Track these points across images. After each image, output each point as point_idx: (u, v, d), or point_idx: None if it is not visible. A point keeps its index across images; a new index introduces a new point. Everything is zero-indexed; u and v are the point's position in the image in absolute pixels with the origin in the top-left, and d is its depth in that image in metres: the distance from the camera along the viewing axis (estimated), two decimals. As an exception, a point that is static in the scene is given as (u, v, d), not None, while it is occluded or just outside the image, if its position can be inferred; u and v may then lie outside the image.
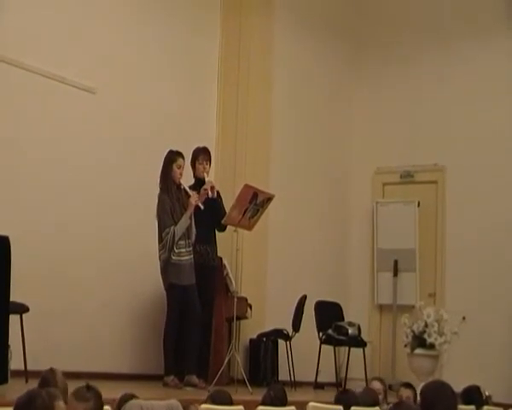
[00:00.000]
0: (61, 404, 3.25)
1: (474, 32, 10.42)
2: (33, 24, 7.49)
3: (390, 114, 11.01)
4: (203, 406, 4.30)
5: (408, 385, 6.31)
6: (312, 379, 9.28)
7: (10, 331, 5.75)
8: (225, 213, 7.72)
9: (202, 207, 7.52)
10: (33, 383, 6.17)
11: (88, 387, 3.57)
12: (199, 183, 7.83)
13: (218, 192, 7.86)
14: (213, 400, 4.52)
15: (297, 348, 9.03)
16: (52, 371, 4.25)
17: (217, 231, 8.04)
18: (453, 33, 10.55)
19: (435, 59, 10.66)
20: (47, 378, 4.19)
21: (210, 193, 7.62)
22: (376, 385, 6.32)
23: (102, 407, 3.58)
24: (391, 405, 5.23)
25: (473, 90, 10.38)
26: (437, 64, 10.64)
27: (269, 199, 7.72)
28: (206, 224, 7.76)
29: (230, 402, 4.60)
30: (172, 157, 7.55)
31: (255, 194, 7.56)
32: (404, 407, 4.45)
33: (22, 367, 6.40)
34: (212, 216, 7.73)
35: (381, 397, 6.19)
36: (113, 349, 7.98)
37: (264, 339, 9.14)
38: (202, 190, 7.61)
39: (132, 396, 4.25)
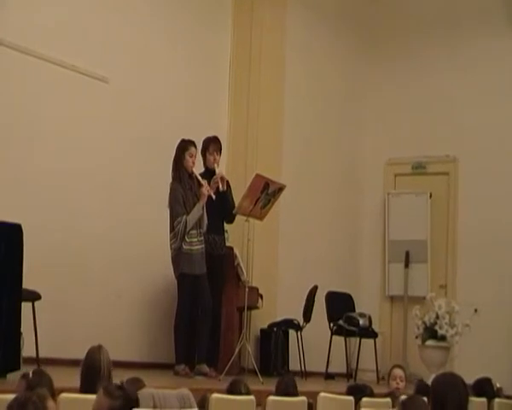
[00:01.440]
0: (51, 403, 3.21)
1: (488, 25, 10.38)
2: (45, 11, 7.48)
3: (402, 105, 10.97)
4: (215, 395, 4.30)
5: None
6: (323, 370, 9.29)
7: (22, 319, 5.78)
8: (234, 204, 7.72)
9: (214, 197, 7.51)
10: (45, 370, 6.23)
11: (120, 386, 3.51)
12: (209, 173, 7.80)
13: (227, 182, 7.85)
14: (230, 390, 4.54)
15: (308, 338, 9.03)
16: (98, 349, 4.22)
17: (225, 223, 8.04)
18: (466, 25, 10.52)
19: (447, 51, 10.62)
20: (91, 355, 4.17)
21: (221, 186, 7.59)
22: (399, 373, 6.33)
23: None
24: (402, 397, 5.22)
25: (485, 81, 10.35)
26: (449, 56, 10.60)
27: (280, 189, 7.71)
28: (215, 213, 7.73)
29: (247, 392, 4.60)
30: (185, 146, 7.54)
31: (267, 184, 7.55)
32: (415, 401, 4.42)
33: (34, 354, 6.42)
34: (221, 206, 7.71)
35: (402, 385, 6.20)
36: (124, 338, 7.99)
37: (275, 329, 9.14)
38: (213, 183, 7.58)
39: (138, 381, 4.23)
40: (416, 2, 10.95)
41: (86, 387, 3.99)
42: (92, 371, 4.06)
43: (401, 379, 6.26)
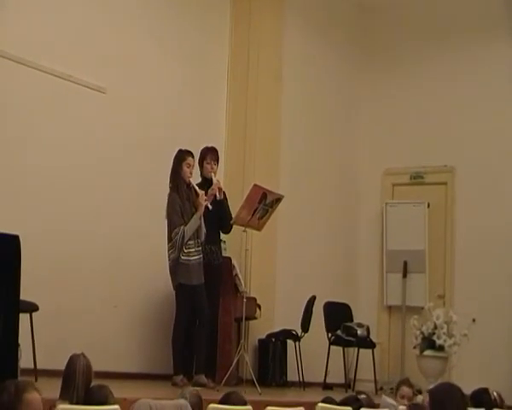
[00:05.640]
0: (29, 396, 3.07)
1: (483, 34, 10.41)
2: (41, 23, 7.50)
3: (400, 115, 11.00)
4: (212, 405, 4.30)
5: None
6: (321, 380, 9.28)
7: (20, 330, 5.76)
8: (230, 214, 7.73)
9: (211, 207, 7.52)
10: (43, 382, 6.21)
11: None
12: (206, 182, 7.82)
13: (224, 193, 7.86)
14: (225, 402, 4.52)
15: (306, 348, 9.02)
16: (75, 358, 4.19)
17: (222, 233, 8.04)
18: (462, 35, 10.55)
19: (445, 60, 10.65)
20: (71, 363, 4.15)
21: (218, 195, 7.61)
22: (408, 392, 6.27)
23: None
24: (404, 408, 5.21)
25: (483, 91, 10.38)
26: (446, 65, 10.63)
27: (278, 199, 7.72)
28: (212, 224, 7.73)
29: (243, 404, 4.59)
30: (182, 156, 7.55)
31: (264, 194, 7.56)
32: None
33: (32, 366, 6.41)
34: (217, 216, 7.72)
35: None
36: (122, 349, 7.98)
37: (273, 339, 9.14)
38: (210, 192, 7.60)
39: (104, 387, 4.16)
40: (412, 14, 10.98)
41: (63, 395, 4.00)
42: (68, 380, 4.08)
43: (409, 399, 6.23)
